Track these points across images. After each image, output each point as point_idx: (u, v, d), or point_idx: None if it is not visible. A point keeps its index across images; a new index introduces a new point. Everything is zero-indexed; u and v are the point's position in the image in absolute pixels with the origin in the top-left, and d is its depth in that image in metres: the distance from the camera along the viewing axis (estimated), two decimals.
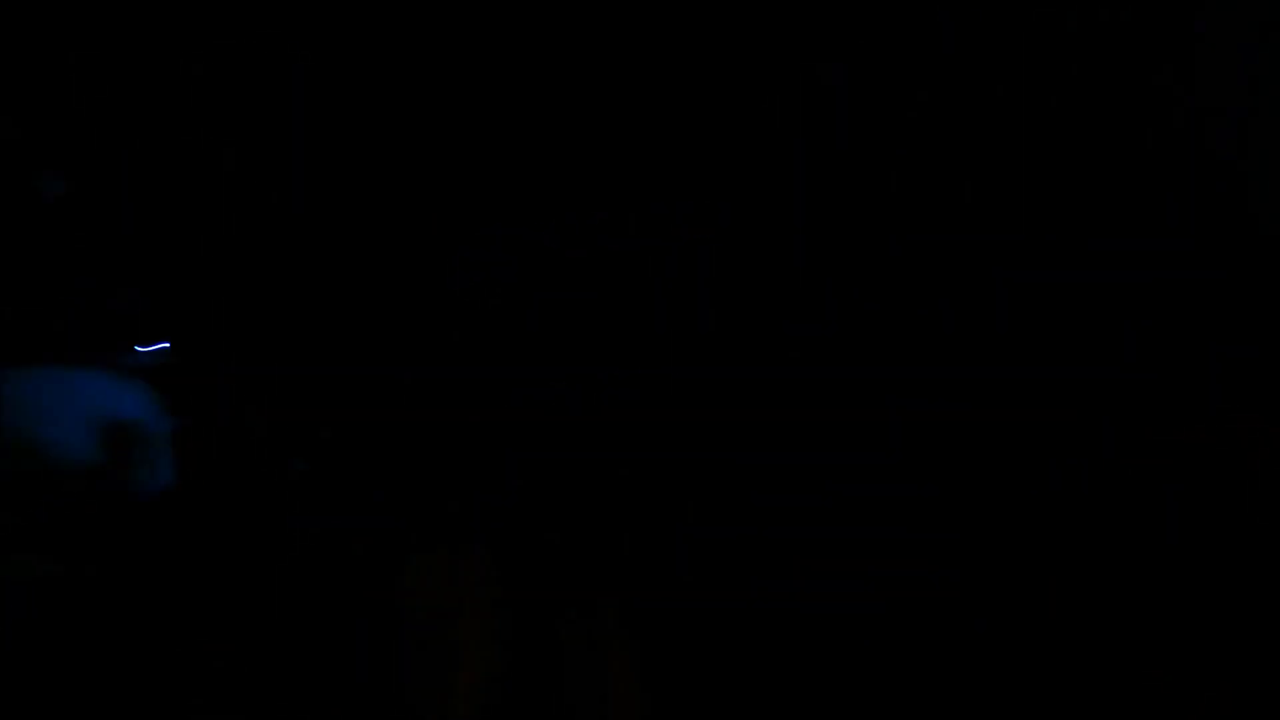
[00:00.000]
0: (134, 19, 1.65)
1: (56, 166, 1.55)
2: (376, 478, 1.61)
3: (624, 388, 1.87)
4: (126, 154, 1.67)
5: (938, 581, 1.77)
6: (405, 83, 1.77)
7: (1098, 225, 2.14)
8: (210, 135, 1.73)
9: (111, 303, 1.60)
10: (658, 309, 1.82)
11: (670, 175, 1.86)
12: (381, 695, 1.46)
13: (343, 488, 1.62)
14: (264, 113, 1.74)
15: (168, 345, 1.56)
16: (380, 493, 1.60)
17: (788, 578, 1.73)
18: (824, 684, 1.61)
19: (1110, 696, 1.67)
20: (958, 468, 2.13)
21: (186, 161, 1.75)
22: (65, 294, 1.57)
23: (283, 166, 1.79)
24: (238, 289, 1.71)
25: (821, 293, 1.86)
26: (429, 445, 1.65)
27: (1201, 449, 2.19)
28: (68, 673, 1.45)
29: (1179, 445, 2.21)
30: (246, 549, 1.58)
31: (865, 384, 1.89)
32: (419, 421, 1.68)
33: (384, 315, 1.94)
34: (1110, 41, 1.71)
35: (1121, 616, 1.82)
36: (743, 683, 1.62)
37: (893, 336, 1.95)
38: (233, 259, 1.70)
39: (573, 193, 1.88)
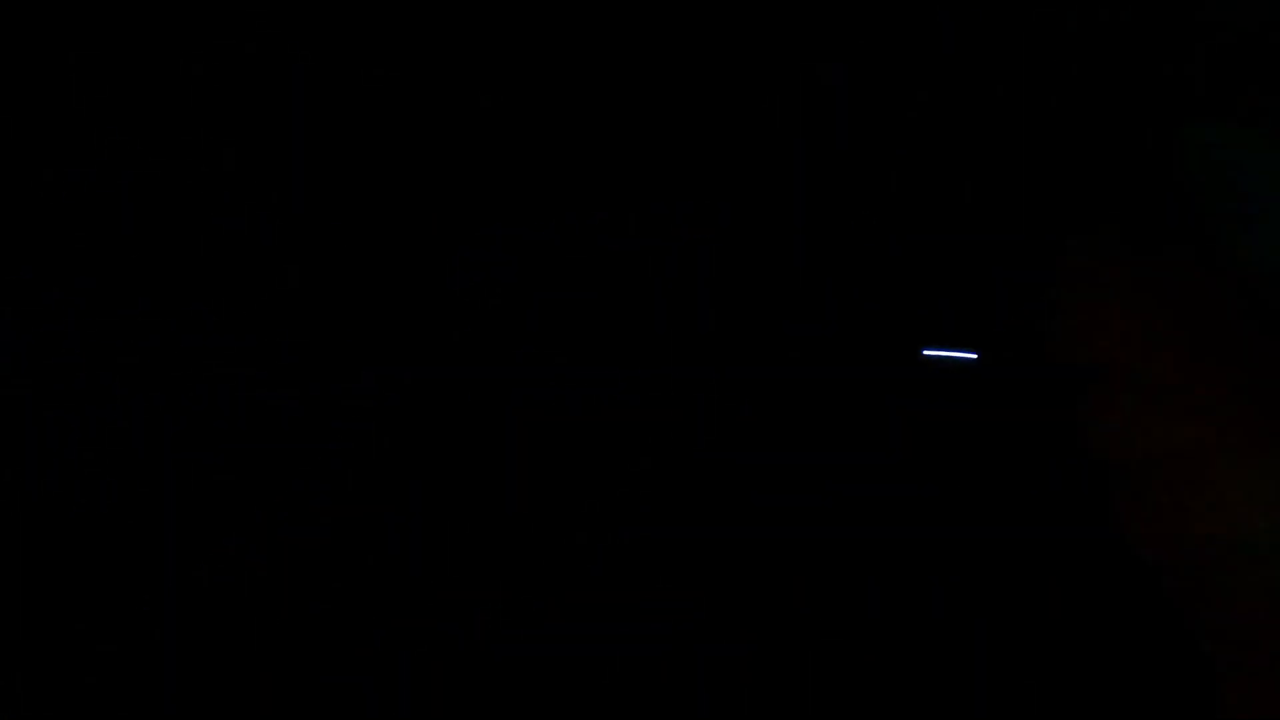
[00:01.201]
0: (134, 19, 1.65)
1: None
2: None
3: (624, 388, 1.88)
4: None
5: (938, 582, 1.78)
6: (405, 82, 1.77)
7: (1098, 224, 2.14)
8: (210, 135, 1.73)
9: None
10: (658, 309, 1.82)
11: (670, 175, 1.86)
12: None
13: None
14: (264, 112, 1.75)
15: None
16: None
17: (787, 579, 1.74)
18: (824, 684, 1.62)
19: (1111, 696, 1.68)
20: (956, 468, 2.13)
21: (185, 161, 1.76)
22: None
23: (283, 166, 1.79)
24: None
25: (821, 293, 1.86)
26: None
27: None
28: None
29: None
30: None
31: (865, 384, 1.90)
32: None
33: (383, 315, 1.95)
34: (1110, 41, 1.71)
35: (1122, 614, 1.83)
36: (743, 682, 1.63)
37: (892, 336, 1.95)
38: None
39: (573, 193, 1.89)
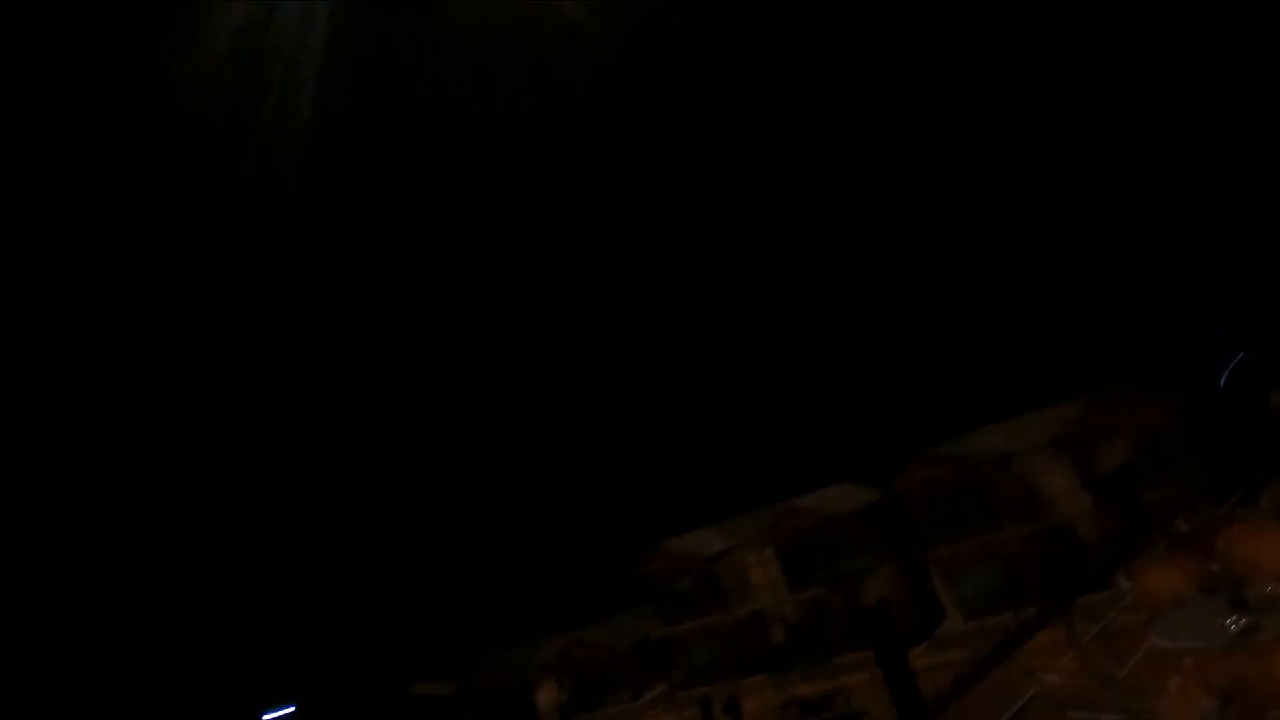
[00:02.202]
0: (135, 19, 1.66)
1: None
2: None
3: (624, 388, 1.90)
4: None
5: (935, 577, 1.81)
6: (405, 83, 1.79)
7: (1097, 223, 2.17)
8: (210, 135, 1.75)
9: None
10: (658, 309, 1.85)
11: (670, 175, 1.89)
12: None
13: None
14: (264, 112, 1.76)
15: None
16: None
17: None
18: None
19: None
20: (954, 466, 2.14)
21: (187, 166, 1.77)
22: None
23: (282, 166, 1.81)
24: None
25: (821, 293, 1.89)
26: None
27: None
28: None
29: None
30: None
31: (863, 383, 1.92)
32: None
33: (383, 315, 1.96)
34: (1110, 41, 1.73)
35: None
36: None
37: (891, 336, 1.98)
38: None
39: (573, 193, 1.91)
